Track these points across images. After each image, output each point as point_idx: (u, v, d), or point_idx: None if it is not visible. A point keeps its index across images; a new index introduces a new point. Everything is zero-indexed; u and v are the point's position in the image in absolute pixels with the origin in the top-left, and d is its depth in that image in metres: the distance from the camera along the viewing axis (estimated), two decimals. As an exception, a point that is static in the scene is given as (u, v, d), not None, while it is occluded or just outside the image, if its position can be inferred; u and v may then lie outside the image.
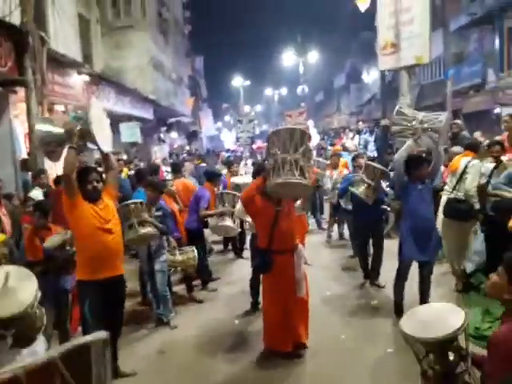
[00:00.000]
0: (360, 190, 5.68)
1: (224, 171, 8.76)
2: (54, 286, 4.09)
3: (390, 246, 5.84)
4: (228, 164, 9.55)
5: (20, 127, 8.87)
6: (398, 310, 4.86)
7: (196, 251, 5.72)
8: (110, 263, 3.74)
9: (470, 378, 2.33)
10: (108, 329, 1.82)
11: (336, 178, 7.96)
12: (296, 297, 4.21)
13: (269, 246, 4.15)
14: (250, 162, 12.71)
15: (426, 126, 4.73)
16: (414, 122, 4.78)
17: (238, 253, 8.07)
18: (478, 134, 9.70)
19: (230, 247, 8.43)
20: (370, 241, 6.16)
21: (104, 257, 3.67)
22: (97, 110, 4.04)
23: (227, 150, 20.85)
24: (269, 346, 4.35)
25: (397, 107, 5.18)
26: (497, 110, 15.76)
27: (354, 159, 6.81)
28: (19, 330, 3.07)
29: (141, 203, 4.84)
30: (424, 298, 4.77)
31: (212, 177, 6.74)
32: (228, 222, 5.99)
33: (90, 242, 3.64)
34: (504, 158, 5.93)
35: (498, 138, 7.31)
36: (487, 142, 6.76)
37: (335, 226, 8.72)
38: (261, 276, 4.59)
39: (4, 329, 2.69)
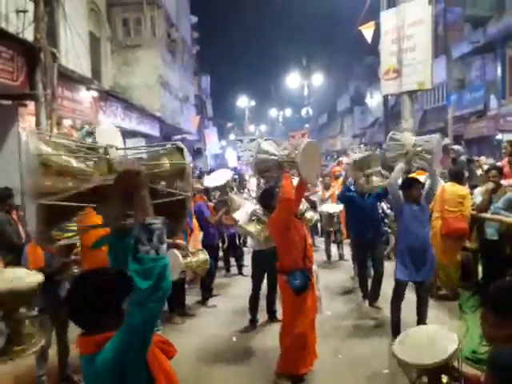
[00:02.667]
0: (374, 182, 5.85)
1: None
2: (53, 295, 4.14)
3: (390, 268, 5.87)
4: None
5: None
6: (396, 331, 4.87)
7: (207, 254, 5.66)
8: None
9: None
10: None
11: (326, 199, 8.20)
12: (315, 315, 4.30)
13: (304, 264, 4.15)
14: (253, 180, 12.79)
15: (419, 149, 4.86)
16: (406, 146, 4.92)
17: (240, 269, 8.14)
18: (483, 158, 9.83)
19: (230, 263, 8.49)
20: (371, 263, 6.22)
21: None
22: (107, 127, 4.14)
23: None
24: (289, 371, 4.18)
25: (390, 134, 5.33)
26: (498, 137, 15.91)
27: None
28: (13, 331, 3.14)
29: None
30: (421, 319, 4.79)
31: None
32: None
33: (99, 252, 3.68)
34: (503, 183, 6.03)
35: (498, 163, 7.43)
36: (487, 167, 6.88)
37: (334, 248, 8.77)
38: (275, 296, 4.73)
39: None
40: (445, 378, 2.37)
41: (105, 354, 1.57)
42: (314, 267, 4.35)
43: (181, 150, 1.86)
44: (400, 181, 5.01)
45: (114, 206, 1.74)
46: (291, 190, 4.05)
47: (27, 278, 3.05)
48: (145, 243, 1.56)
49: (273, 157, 4.17)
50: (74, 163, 1.71)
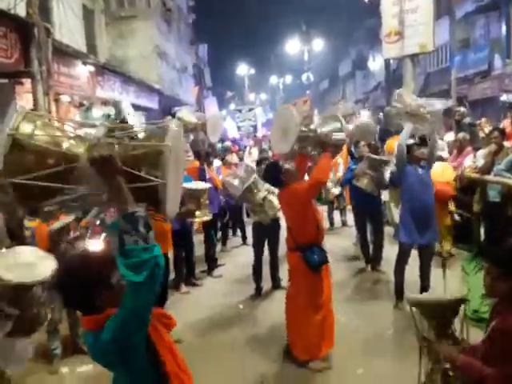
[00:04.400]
0: (364, 183, 5.75)
1: (218, 163, 8.41)
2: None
3: (391, 232, 5.94)
4: (222, 155, 9.06)
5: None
6: (399, 293, 4.97)
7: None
8: None
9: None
10: None
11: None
12: (330, 292, 4.16)
13: (316, 240, 4.03)
14: (254, 150, 12.74)
15: (426, 109, 4.78)
16: (413, 105, 4.84)
17: (244, 239, 8.23)
18: (483, 120, 9.70)
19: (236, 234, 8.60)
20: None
21: None
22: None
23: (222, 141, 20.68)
24: (310, 357, 3.97)
25: (397, 91, 5.24)
26: (503, 98, 15.64)
27: (356, 146, 6.74)
28: (23, 314, 3.21)
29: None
30: (424, 283, 4.85)
31: None
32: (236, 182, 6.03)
33: None
34: (506, 144, 5.98)
35: (500, 125, 7.35)
36: (488, 129, 6.81)
37: (337, 214, 8.82)
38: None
39: (12, 304, 2.82)
40: (449, 340, 2.49)
41: (105, 334, 1.57)
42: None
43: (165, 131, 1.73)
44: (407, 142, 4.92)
45: (93, 189, 1.67)
46: (329, 171, 3.94)
47: (42, 264, 3.04)
48: (131, 233, 1.48)
49: (308, 132, 3.86)
50: (65, 145, 1.67)
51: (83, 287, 1.66)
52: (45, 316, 3.26)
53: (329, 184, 7.33)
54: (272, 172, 4.19)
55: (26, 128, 1.61)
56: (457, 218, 6.91)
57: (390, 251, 5.55)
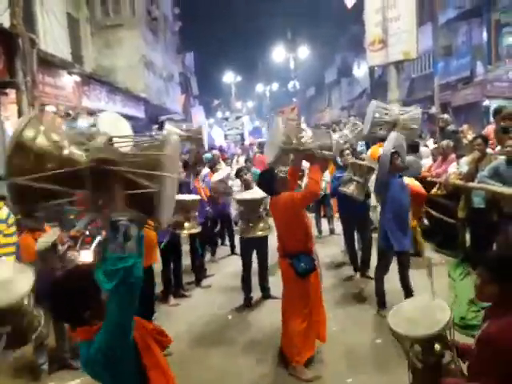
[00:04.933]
0: (350, 189, 5.78)
1: (206, 171, 8.28)
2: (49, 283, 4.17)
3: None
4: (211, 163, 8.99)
5: (11, 129, 8.89)
6: (380, 303, 5.02)
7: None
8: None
9: (456, 367, 2.42)
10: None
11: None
12: (320, 289, 4.29)
13: (305, 248, 4.11)
14: (242, 159, 12.78)
15: (405, 116, 4.89)
16: (392, 114, 4.94)
17: (233, 249, 8.21)
18: (465, 127, 9.88)
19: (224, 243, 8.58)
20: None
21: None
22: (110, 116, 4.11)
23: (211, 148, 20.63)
24: (303, 360, 4.03)
25: (372, 101, 5.33)
26: (485, 103, 15.92)
27: (340, 154, 6.77)
28: (15, 327, 3.16)
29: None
30: (408, 291, 4.89)
31: None
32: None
33: None
34: (489, 151, 6.08)
35: (483, 131, 7.48)
36: (473, 135, 6.93)
37: (325, 222, 8.87)
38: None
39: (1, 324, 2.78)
40: (437, 346, 2.46)
41: (95, 343, 1.64)
42: (314, 247, 4.32)
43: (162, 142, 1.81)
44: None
45: (91, 194, 1.68)
46: (320, 183, 4.03)
47: (19, 280, 2.99)
48: (111, 241, 1.53)
49: (294, 146, 3.91)
50: (66, 150, 1.71)
51: (73, 301, 1.72)
52: (37, 322, 3.22)
53: None
54: (266, 179, 4.28)
55: (30, 132, 1.65)
56: (426, 222, 7.10)
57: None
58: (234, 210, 6.00)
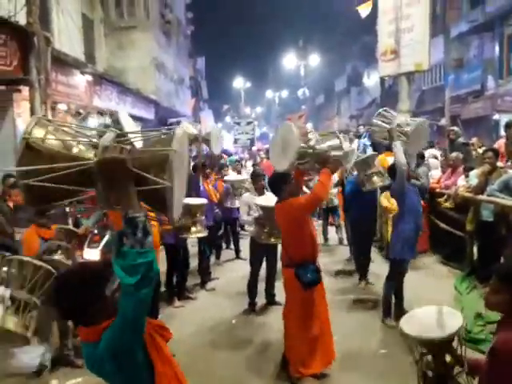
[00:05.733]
0: (375, 181, 5.85)
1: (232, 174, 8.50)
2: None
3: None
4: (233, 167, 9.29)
5: (23, 125, 8.97)
6: (386, 312, 5.03)
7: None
8: None
9: (465, 379, 2.40)
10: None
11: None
12: (327, 309, 4.16)
13: (313, 257, 4.02)
14: (249, 163, 12.80)
15: (397, 129, 4.89)
16: (391, 125, 4.93)
17: (238, 253, 8.21)
18: (475, 140, 9.85)
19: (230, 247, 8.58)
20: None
21: None
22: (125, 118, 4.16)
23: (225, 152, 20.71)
24: (300, 374, 3.93)
25: (380, 110, 5.33)
26: (495, 117, 15.88)
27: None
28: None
29: None
30: (401, 298, 4.95)
31: None
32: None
33: None
34: (499, 165, 6.06)
35: (494, 145, 7.45)
36: (483, 148, 6.90)
37: (332, 231, 8.84)
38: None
39: None
40: (448, 357, 2.43)
41: (103, 343, 1.62)
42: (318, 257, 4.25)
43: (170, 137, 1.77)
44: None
45: (101, 192, 1.68)
46: (329, 188, 3.89)
47: None
48: (129, 237, 1.54)
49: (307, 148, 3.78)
50: (75, 149, 1.71)
51: (79, 299, 1.69)
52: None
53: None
54: (278, 181, 4.08)
55: (39, 132, 1.66)
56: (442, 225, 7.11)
57: (384, 267, 5.55)
58: (243, 214, 5.92)
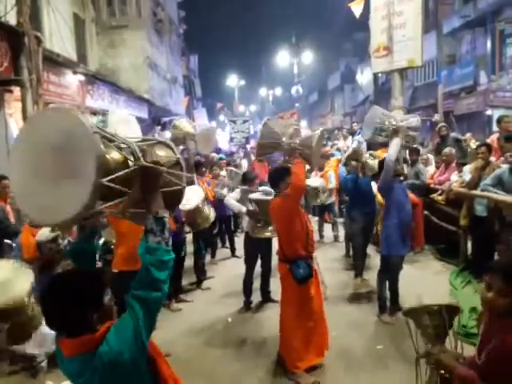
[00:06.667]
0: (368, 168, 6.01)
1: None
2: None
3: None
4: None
5: (15, 126, 8.90)
6: (382, 308, 5.06)
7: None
8: None
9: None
10: None
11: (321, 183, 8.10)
12: (321, 301, 4.21)
13: (307, 252, 4.05)
14: (244, 162, 12.77)
15: (404, 123, 4.93)
16: (393, 121, 4.97)
17: (233, 251, 8.20)
18: (468, 135, 9.90)
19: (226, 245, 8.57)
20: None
21: None
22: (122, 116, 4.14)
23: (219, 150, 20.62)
24: (297, 368, 3.98)
25: (374, 106, 5.38)
26: (488, 112, 15.96)
27: (345, 164, 6.75)
28: (16, 324, 3.14)
29: None
30: (396, 295, 4.98)
31: None
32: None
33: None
34: (492, 160, 6.09)
35: (487, 140, 7.49)
36: (477, 143, 6.94)
37: (328, 228, 8.85)
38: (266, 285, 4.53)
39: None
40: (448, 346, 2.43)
41: (111, 346, 1.51)
42: (315, 253, 4.27)
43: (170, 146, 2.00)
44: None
45: (135, 193, 1.74)
46: (304, 176, 3.99)
47: (18, 280, 2.99)
48: (157, 234, 1.64)
49: (279, 140, 4.05)
50: (115, 154, 1.72)
51: (73, 306, 1.59)
52: (38, 320, 3.20)
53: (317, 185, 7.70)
54: (275, 175, 4.23)
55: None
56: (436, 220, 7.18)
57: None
58: (231, 197, 5.96)
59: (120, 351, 1.51)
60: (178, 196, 1.90)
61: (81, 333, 1.59)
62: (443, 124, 9.08)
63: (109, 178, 1.57)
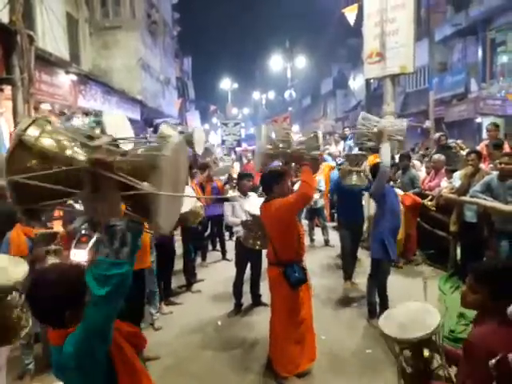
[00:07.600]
0: (353, 180, 5.84)
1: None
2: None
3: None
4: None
5: (5, 125, 8.82)
6: (371, 312, 5.08)
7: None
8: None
9: (444, 372, 2.43)
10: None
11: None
12: (311, 305, 4.18)
13: (300, 255, 4.03)
14: (236, 164, 12.78)
15: (391, 128, 4.96)
16: (379, 126, 5.00)
17: (224, 254, 8.18)
18: (459, 142, 10.00)
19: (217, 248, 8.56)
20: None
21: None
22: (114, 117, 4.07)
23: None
24: (288, 373, 3.97)
25: (362, 113, 5.40)
26: (478, 120, 16.14)
27: (339, 169, 6.76)
28: (1, 323, 3.10)
29: None
30: (385, 299, 4.97)
31: None
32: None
33: None
34: (482, 167, 6.15)
35: (477, 147, 7.57)
36: (467, 150, 7.01)
37: (318, 232, 8.87)
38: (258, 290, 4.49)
39: None
40: (426, 352, 2.46)
41: (66, 347, 1.55)
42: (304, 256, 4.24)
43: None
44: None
45: (86, 197, 1.60)
46: (315, 186, 3.97)
47: (13, 268, 2.99)
48: (106, 245, 1.47)
49: (285, 149, 3.92)
50: (69, 151, 1.65)
51: (57, 300, 1.64)
52: (26, 321, 3.16)
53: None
54: (270, 180, 4.05)
55: (34, 131, 1.63)
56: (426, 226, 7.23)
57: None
58: (228, 214, 5.91)
59: (70, 355, 1.55)
60: (147, 202, 1.57)
61: (60, 326, 1.67)
62: (442, 133, 9.21)
63: (26, 175, 1.55)
